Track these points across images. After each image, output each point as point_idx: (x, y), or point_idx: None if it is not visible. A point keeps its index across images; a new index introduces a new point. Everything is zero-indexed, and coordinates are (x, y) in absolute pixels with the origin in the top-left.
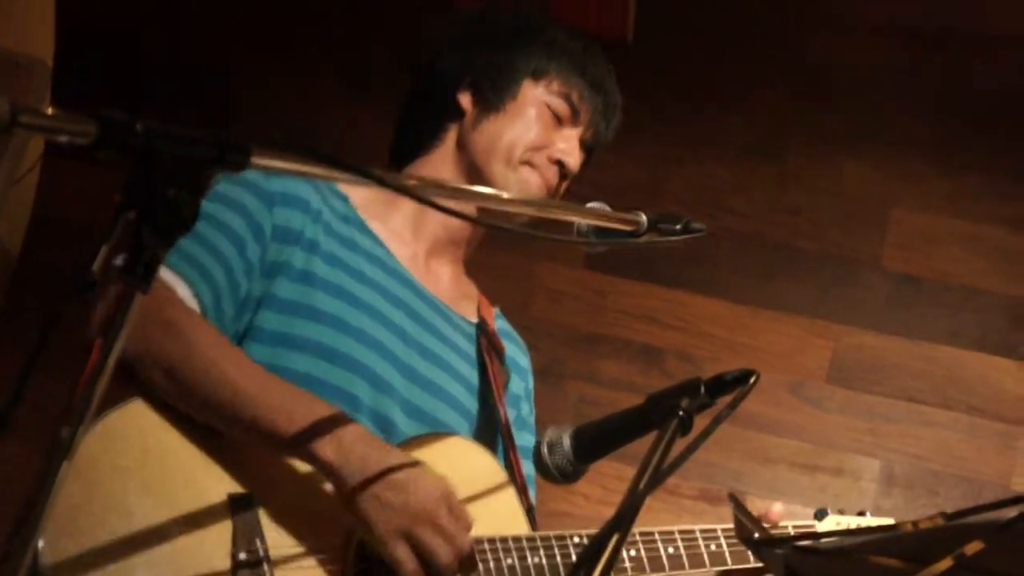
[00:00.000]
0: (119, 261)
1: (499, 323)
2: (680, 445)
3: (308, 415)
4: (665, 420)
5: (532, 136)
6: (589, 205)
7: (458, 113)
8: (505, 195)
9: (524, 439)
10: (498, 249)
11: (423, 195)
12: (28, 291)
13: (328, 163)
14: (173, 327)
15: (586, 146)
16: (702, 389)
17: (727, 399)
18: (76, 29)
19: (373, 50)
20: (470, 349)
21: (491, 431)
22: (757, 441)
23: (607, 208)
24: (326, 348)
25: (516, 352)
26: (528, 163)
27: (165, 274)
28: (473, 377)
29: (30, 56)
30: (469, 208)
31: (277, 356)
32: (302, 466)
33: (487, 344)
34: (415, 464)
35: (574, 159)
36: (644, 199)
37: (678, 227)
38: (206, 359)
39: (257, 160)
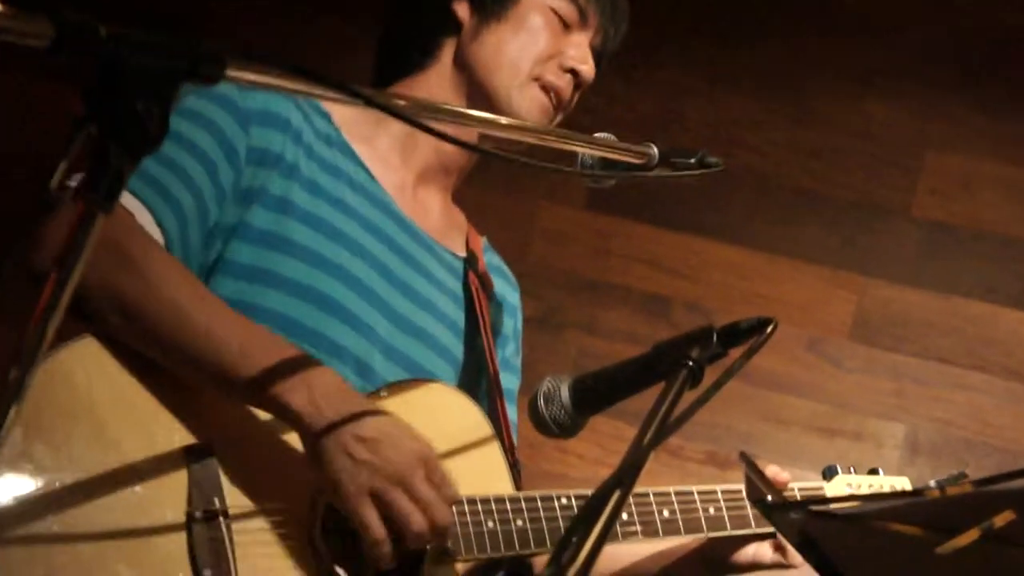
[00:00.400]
0: (75, 181)
1: (487, 255)
2: (689, 399)
3: (277, 360)
4: (673, 371)
5: (540, 46)
6: (596, 136)
7: (454, 25)
8: (503, 120)
9: (508, 381)
10: (492, 185)
11: (414, 117)
12: None
13: (311, 79)
14: (131, 259)
15: (595, 53)
16: (714, 338)
17: (741, 350)
18: None
19: None
20: (457, 287)
21: (476, 377)
22: (770, 401)
23: (614, 139)
24: (301, 285)
25: (505, 288)
26: (537, 79)
27: (125, 199)
28: (459, 318)
29: None
30: (466, 134)
31: (247, 292)
32: (267, 416)
33: (476, 281)
34: (394, 420)
35: (588, 66)
36: (655, 134)
37: (692, 161)
38: (166, 296)
39: (233, 73)
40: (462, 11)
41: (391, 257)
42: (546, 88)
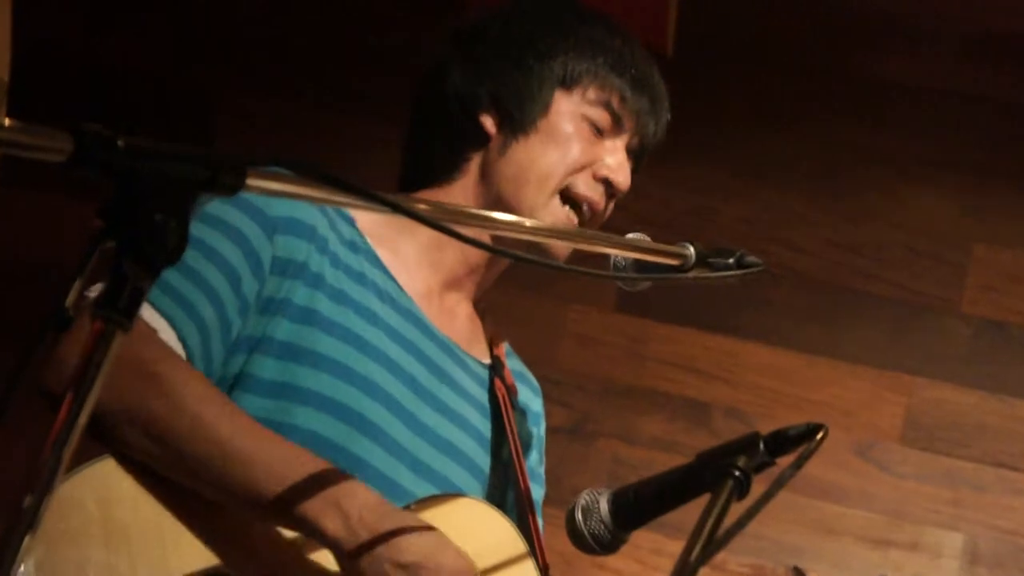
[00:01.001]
0: (93, 292)
1: (510, 361)
2: (736, 511)
3: (308, 478)
4: (719, 481)
5: (571, 158)
6: (628, 236)
7: (481, 138)
8: (528, 223)
9: (533, 491)
10: (519, 289)
11: (441, 222)
12: None
13: (336, 185)
14: (154, 376)
15: (634, 154)
16: (761, 446)
17: (790, 458)
18: (35, 42)
19: (369, 65)
20: (483, 396)
21: (504, 490)
22: (819, 511)
23: (647, 239)
24: (328, 400)
25: (528, 395)
26: (567, 190)
27: (144, 311)
28: (486, 428)
29: None
30: (488, 239)
31: (272, 409)
32: (297, 538)
33: (503, 388)
34: (433, 535)
35: (623, 176)
36: (688, 232)
37: (731, 261)
38: (193, 414)
39: (253, 182)
40: (489, 124)
41: (418, 368)
42: (577, 200)
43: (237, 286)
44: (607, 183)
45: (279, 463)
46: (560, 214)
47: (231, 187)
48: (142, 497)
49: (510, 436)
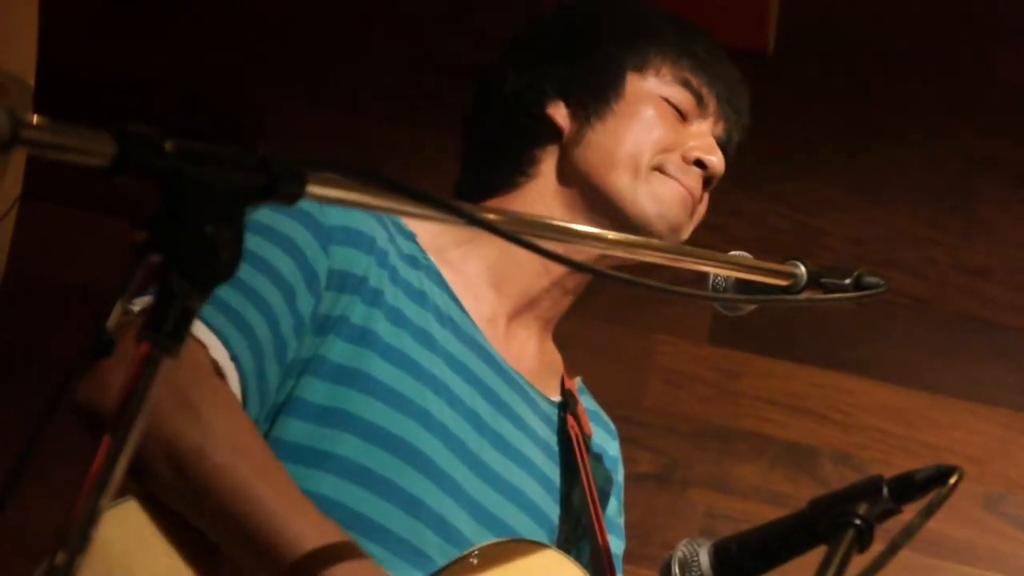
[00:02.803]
0: (137, 306)
1: (583, 400)
2: (856, 566)
3: (328, 549)
4: (837, 531)
5: (656, 136)
6: (731, 254)
7: (553, 133)
8: (611, 235)
9: (613, 545)
10: (598, 318)
11: (520, 235)
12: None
13: (404, 194)
14: (194, 405)
15: (720, 144)
16: (885, 491)
17: (916, 507)
18: (62, 44)
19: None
20: (551, 437)
21: (576, 543)
22: (942, 572)
23: (751, 258)
24: (379, 429)
25: (603, 437)
26: (660, 169)
27: (194, 327)
28: (554, 474)
29: (8, 73)
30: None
31: (318, 437)
32: None
33: (576, 428)
34: None
35: (716, 156)
36: (790, 256)
37: (847, 282)
38: (225, 454)
39: (314, 190)
40: (560, 116)
41: (480, 402)
42: (671, 178)
43: (292, 302)
44: (700, 164)
45: (305, 529)
46: (666, 187)
47: (291, 195)
48: (164, 543)
49: (584, 482)
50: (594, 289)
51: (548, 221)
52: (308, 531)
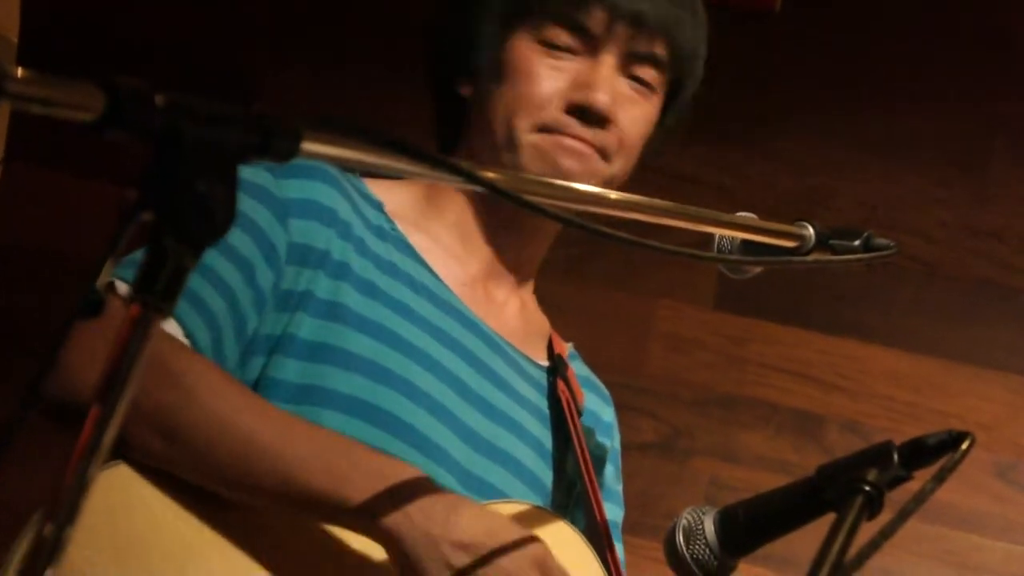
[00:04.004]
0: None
1: (575, 365)
2: (865, 534)
3: (348, 464)
4: (846, 498)
5: (532, 88)
6: (737, 215)
7: (464, 108)
8: (613, 195)
9: (611, 512)
10: (597, 282)
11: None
12: None
13: (401, 150)
14: (163, 367)
15: (630, 63)
16: (895, 456)
17: (927, 473)
18: (53, 15)
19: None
20: (540, 401)
21: (570, 508)
22: (953, 542)
23: (757, 219)
24: (359, 402)
25: (597, 403)
26: (543, 127)
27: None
28: (545, 437)
29: None
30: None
31: (298, 414)
32: (336, 531)
33: (567, 392)
34: (492, 514)
35: (602, 93)
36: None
37: (856, 243)
38: (210, 406)
39: (310, 147)
40: (467, 90)
41: (464, 368)
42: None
43: (251, 276)
44: (581, 111)
45: (312, 451)
46: (547, 144)
47: (286, 152)
48: (158, 504)
49: (577, 447)
50: (593, 252)
51: (548, 180)
52: (321, 452)
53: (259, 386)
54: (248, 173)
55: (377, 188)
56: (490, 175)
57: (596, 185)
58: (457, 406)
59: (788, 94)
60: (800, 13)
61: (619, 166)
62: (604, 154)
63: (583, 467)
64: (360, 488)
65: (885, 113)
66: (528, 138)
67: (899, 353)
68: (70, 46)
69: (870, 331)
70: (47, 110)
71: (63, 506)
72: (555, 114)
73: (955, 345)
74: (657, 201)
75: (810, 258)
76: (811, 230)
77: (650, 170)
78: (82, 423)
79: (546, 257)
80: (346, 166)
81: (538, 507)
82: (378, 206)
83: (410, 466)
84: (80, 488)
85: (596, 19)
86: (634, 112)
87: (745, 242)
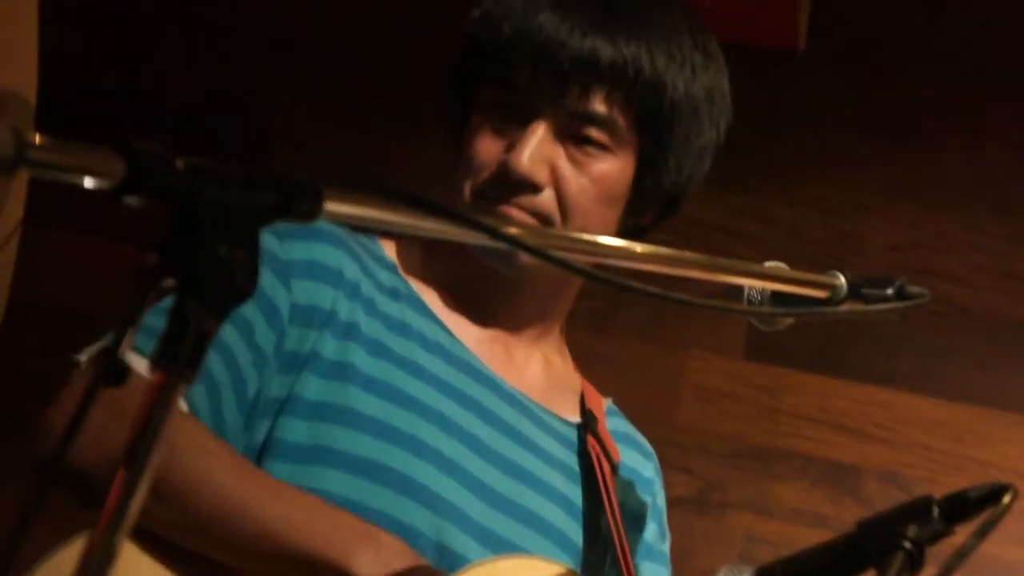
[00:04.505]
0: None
1: (612, 420)
2: None
3: (327, 522)
4: (886, 554)
5: (466, 165)
6: (766, 265)
7: None
8: (639, 248)
9: (654, 573)
10: (625, 334)
11: (541, 248)
12: (7, 400)
13: (425, 208)
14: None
15: (578, 121)
16: (935, 511)
17: (969, 528)
18: (63, 62)
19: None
20: (570, 458)
21: (603, 568)
22: None
23: (787, 269)
24: (366, 461)
25: (636, 459)
26: (482, 196)
27: (141, 368)
28: (575, 495)
29: (9, 91)
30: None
31: (303, 475)
32: None
33: (598, 448)
34: None
35: (519, 157)
36: (826, 265)
37: (890, 292)
38: (198, 464)
39: (333, 207)
40: None
41: (478, 424)
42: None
43: (250, 337)
44: (502, 178)
45: (296, 512)
46: (477, 212)
47: (306, 213)
48: (146, 567)
49: (607, 506)
50: (619, 304)
51: (574, 235)
52: (301, 513)
53: (266, 448)
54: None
55: (391, 248)
56: (513, 231)
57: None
58: (471, 463)
59: (815, 138)
60: (825, 53)
61: (569, 230)
62: (543, 218)
63: (613, 527)
64: (342, 551)
65: (915, 156)
66: (469, 206)
67: (935, 401)
68: (88, 107)
69: (905, 379)
70: (67, 177)
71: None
72: (489, 179)
73: (992, 391)
74: (685, 253)
75: (842, 309)
76: (843, 279)
77: (674, 219)
78: (104, 493)
79: (572, 310)
80: (366, 226)
81: (551, 562)
82: (392, 267)
83: (393, 536)
84: (107, 556)
85: (522, 74)
86: (578, 169)
87: (775, 293)
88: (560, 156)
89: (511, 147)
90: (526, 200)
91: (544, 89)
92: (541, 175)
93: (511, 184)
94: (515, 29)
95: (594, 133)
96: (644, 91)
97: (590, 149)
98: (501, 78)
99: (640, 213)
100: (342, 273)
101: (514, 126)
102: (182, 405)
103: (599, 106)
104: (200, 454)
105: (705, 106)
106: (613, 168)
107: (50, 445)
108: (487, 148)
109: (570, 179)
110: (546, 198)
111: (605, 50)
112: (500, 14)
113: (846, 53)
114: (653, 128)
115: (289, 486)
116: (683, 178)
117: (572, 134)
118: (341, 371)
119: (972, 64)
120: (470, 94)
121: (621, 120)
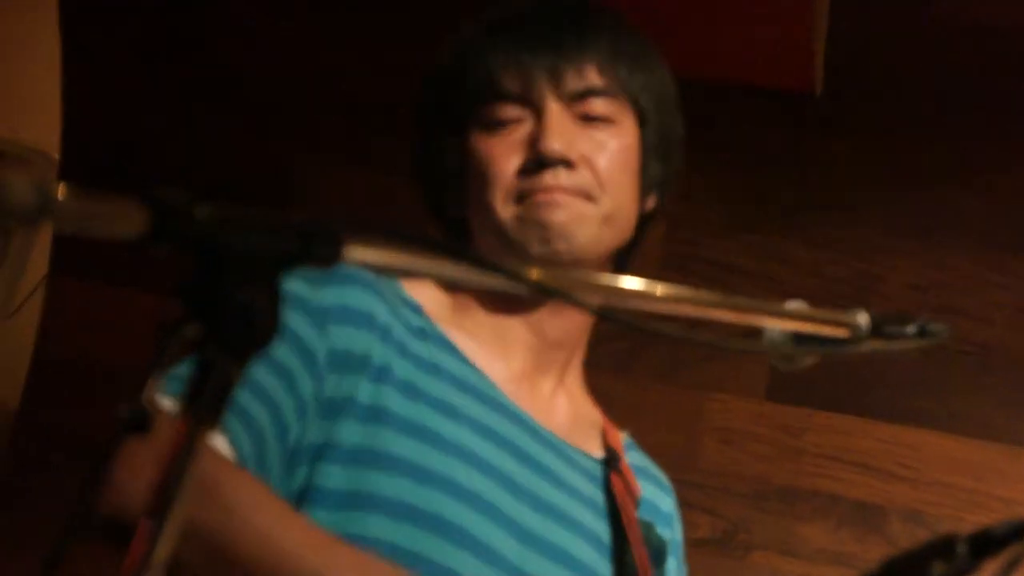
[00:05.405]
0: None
1: (631, 455)
2: None
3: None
4: None
5: (493, 172)
6: (787, 304)
7: (468, 227)
8: (659, 290)
9: None
10: (646, 376)
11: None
12: (31, 453)
13: (446, 252)
14: (204, 483)
15: (579, 100)
16: (960, 549)
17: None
18: (85, 116)
19: None
20: (596, 494)
21: None
22: None
23: (808, 308)
24: (406, 506)
25: (655, 493)
26: (518, 198)
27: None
28: (603, 531)
29: (32, 147)
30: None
31: (343, 522)
32: None
33: (621, 484)
34: None
35: (550, 139)
36: (847, 304)
37: (910, 330)
38: (253, 523)
39: (351, 252)
40: (458, 211)
41: (513, 465)
42: (526, 198)
43: (292, 385)
44: (539, 164)
45: (352, 568)
46: (518, 213)
47: (327, 258)
48: None
49: (632, 541)
50: (639, 346)
51: (593, 278)
52: (354, 567)
53: (305, 495)
54: (285, 284)
55: (414, 290)
56: (535, 273)
57: (595, 229)
58: (506, 503)
59: (832, 178)
60: (842, 94)
61: (609, 203)
62: (585, 194)
63: (639, 562)
64: None
65: (933, 195)
66: (506, 213)
67: (958, 439)
68: (110, 159)
69: (928, 418)
70: (90, 230)
71: None
72: (519, 180)
73: (1015, 429)
74: (704, 293)
75: (865, 348)
76: (864, 317)
77: (694, 259)
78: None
79: (592, 351)
80: (388, 270)
81: None
82: (416, 308)
83: None
84: None
85: (514, 80)
86: (599, 144)
87: (796, 332)
88: (578, 136)
89: (533, 140)
90: (566, 179)
91: (541, 82)
92: (573, 151)
93: (548, 168)
94: (493, 43)
95: (599, 107)
96: (629, 56)
97: (599, 125)
98: (496, 92)
99: (647, 189)
100: (374, 316)
101: (523, 125)
102: (229, 453)
103: (595, 79)
104: (255, 512)
105: (675, 92)
106: (624, 138)
107: (124, 498)
108: (503, 153)
109: (594, 155)
110: (584, 174)
111: (586, 30)
112: (469, 38)
113: (863, 94)
114: (632, 94)
115: (342, 540)
116: (673, 144)
117: (579, 115)
118: (376, 415)
119: (991, 103)
120: (458, 125)
121: (616, 86)
